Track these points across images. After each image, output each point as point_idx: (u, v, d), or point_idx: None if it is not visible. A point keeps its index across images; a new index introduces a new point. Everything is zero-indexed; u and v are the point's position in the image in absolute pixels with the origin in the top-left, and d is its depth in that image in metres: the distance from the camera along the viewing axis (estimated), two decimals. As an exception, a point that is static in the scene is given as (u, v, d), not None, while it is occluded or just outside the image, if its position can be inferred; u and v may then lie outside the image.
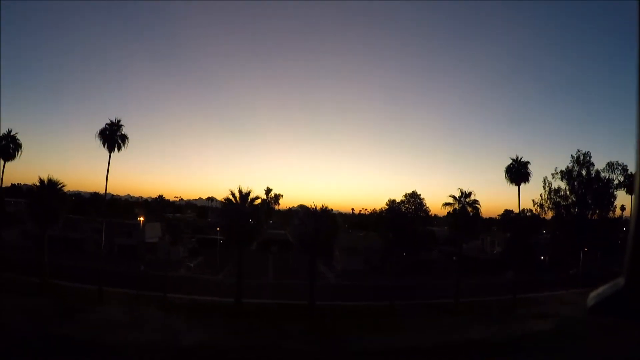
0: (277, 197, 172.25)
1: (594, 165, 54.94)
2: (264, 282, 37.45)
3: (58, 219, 34.00)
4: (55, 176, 32.52)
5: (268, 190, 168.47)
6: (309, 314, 26.59)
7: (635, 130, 1.58)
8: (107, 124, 31.14)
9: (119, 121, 31.68)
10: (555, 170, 55.85)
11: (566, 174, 55.27)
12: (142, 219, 51.38)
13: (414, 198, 47.12)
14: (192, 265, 37.93)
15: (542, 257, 56.96)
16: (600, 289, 1.65)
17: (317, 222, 27.91)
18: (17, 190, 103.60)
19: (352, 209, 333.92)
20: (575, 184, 55.53)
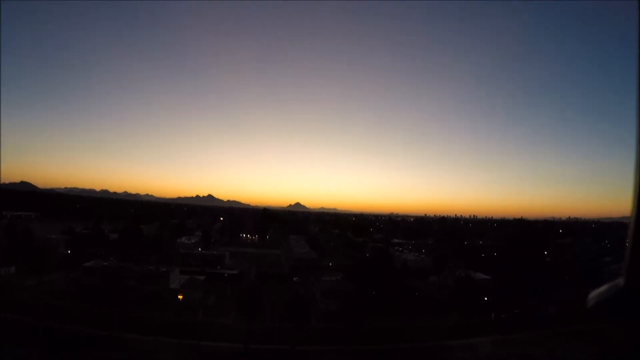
0: (274, 215, 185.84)
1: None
2: (263, 326, 50.73)
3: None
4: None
5: (266, 211, 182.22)
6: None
7: (635, 130, 1.66)
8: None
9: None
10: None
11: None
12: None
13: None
14: (207, 309, 51.48)
15: (486, 298, 66.67)
16: (600, 289, 1.69)
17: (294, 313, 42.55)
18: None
19: (353, 218, 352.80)
20: None
